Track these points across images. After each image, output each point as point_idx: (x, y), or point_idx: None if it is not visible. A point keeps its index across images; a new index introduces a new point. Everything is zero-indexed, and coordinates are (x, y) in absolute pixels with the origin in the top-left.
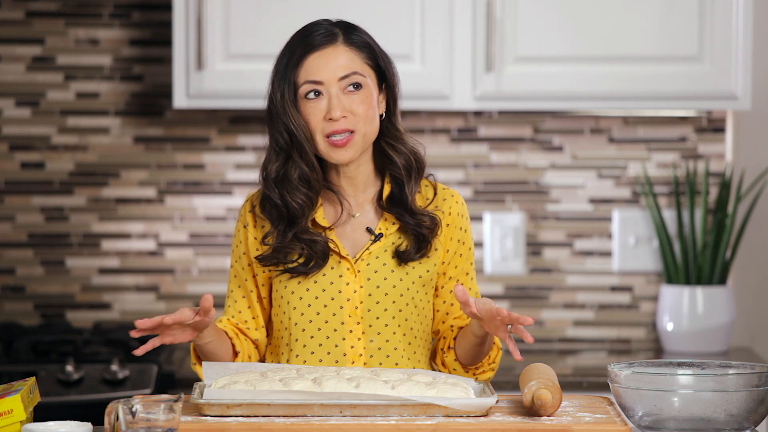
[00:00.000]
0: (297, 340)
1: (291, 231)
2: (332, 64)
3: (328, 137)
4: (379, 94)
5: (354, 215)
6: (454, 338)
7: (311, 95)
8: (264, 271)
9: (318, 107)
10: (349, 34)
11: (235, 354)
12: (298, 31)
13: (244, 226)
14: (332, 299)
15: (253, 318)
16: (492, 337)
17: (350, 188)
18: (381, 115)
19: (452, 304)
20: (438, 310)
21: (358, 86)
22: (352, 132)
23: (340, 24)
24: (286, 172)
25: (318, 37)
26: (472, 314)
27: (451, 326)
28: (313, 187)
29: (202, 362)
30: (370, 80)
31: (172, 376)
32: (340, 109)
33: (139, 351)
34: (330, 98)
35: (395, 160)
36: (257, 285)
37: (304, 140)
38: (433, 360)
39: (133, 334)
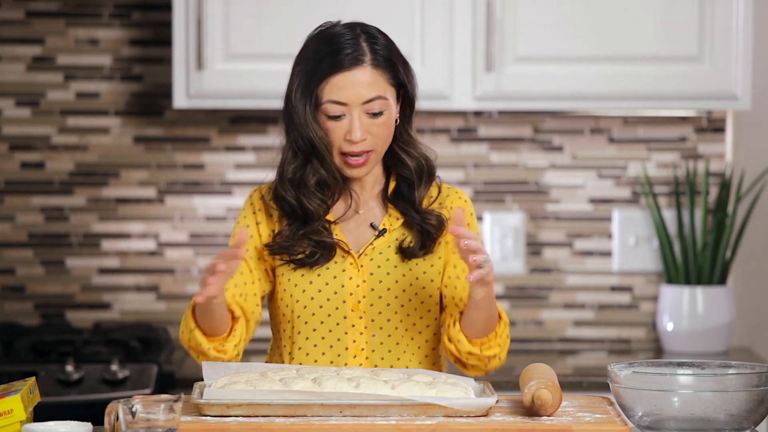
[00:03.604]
0: (299, 333)
1: (302, 230)
2: (358, 86)
3: (344, 155)
4: (396, 103)
5: (359, 211)
6: (461, 313)
7: (333, 113)
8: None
9: (339, 126)
10: (375, 52)
11: (235, 320)
12: (321, 40)
13: (254, 212)
14: (335, 293)
15: (253, 294)
16: (495, 308)
17: (357, 186)
18: (396, 121)
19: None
20: (445, 296)
21: (380, 113)
22: (369, 152)
23: (365, 37)
24: (304, 176)
25: (347, 58)
26: (454, 231)
27: (456, 304)
28: (330, 192)
29: (202, 363)
30: (391, 99)
31: (172, 376)
32: (361, 131)
33: (201, 298)
34: (352, 119)
35: (407, 163)
36: (257, 267)
37: (324, 152)
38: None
39: (209, 280)
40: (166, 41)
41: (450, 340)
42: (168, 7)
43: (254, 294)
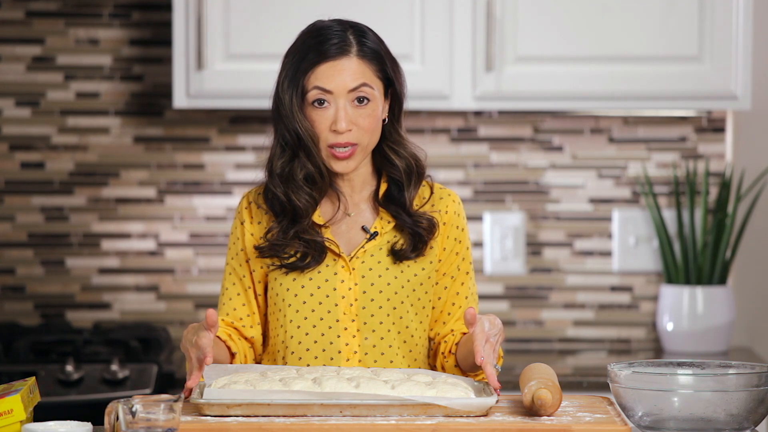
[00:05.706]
0: (292, 337)
1: (293, 229)
2: (344, 75)
3: (330, 147)
4: (384, 100)
5: (349, 214)
6: (456, 343)
7: (318, 103)
8: (261, 267)
9: (324, 116)
10: (362, 44)
11: (232, 356)
12: (309, 33)
13: (241, 223)
14: (327, 296)
15: (248, 315)
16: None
17: (347, 188)
18: (384, 120)
19: (453, 303)
20: (434, 307)
21: (366, 100)
22: (355, 145)
23: (353, 30)
24: (292, 170)
25: (333, 47)
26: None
27: (452, 330)
28: (318, 187)
29: None
30: (377, 91)
31: (172, 376)
32: (346, 121)
33: (189, 392)
34: (337, 109)
35: (396, 163)
36: (254, 281)
37: (311, 144)
38: (434, 361)
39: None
40: (166, 41)
41: (444, 369)
42: (168, 7)
43: (249, 315)
